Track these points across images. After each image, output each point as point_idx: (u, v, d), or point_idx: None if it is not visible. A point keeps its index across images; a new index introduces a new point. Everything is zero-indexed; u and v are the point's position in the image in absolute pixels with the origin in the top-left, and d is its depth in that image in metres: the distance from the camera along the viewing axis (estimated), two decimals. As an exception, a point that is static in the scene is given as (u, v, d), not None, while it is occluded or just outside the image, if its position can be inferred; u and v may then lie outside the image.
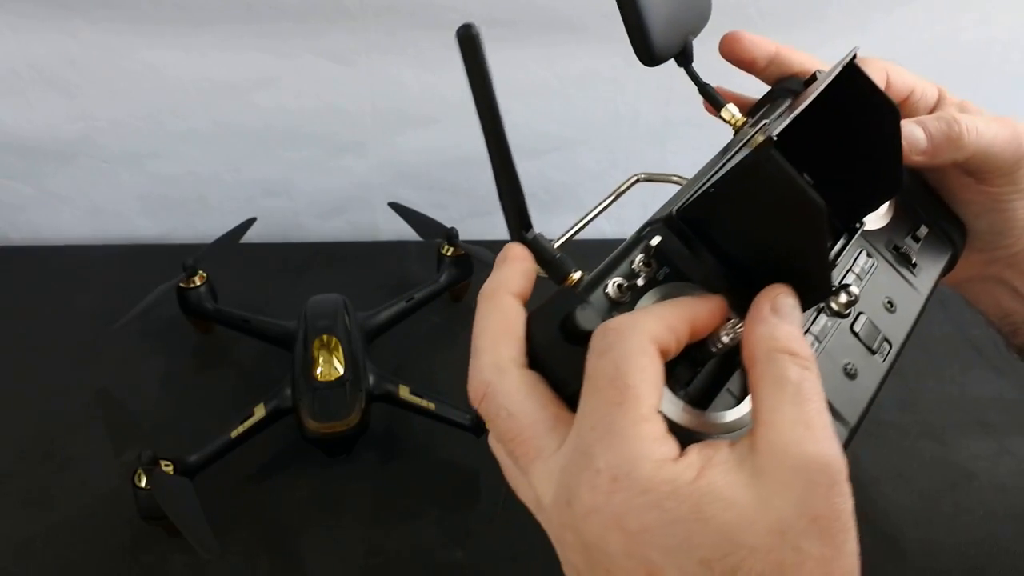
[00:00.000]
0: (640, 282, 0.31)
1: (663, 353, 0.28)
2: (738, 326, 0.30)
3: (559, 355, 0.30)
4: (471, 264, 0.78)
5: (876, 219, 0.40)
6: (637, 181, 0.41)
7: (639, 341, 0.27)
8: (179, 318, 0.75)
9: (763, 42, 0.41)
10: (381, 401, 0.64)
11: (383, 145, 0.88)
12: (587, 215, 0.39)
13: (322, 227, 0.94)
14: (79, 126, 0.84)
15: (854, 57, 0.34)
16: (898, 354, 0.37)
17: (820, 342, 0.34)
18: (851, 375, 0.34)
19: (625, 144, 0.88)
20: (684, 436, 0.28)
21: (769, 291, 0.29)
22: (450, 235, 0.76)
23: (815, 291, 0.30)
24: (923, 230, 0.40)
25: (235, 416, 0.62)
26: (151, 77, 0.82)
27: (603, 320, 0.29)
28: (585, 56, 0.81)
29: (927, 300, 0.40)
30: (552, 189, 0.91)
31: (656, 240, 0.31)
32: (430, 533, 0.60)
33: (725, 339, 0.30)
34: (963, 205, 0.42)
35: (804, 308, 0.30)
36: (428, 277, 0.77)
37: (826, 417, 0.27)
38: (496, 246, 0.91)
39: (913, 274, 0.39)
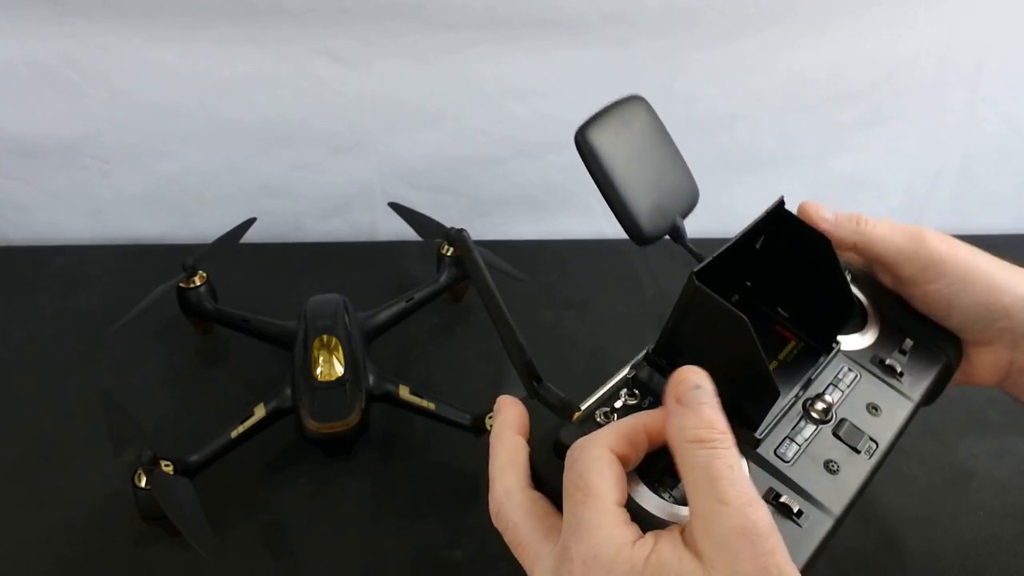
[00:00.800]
0: (618, 405, 0.39)
1: (622, 458, 0.34)
2: None
3: (551, 470, 0.37)
4: (471, 264, 0.78)
5: (860, 340, 0.45)
6: None
7: (598, 450, 0.34)
8: (179, 318, 0.75)
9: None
10: (381, 401, 0.64)
11: (383, 145, 0.88)
12: None
13: (322, 227, 0.94)
14: (79, 126, 0.84)
15: (781, 203, 0.41)
16: (887, 451, 0.41)
17: (801, 447, 0.40)
18: (832, 471, 0.39)
19: (625, 144, 0.88)
20: (661, 526, 0.34)
21: (672, 379, 0.34)
22: (450, 235, 0.76)
23: (765, 394, 0.37)
24: (908, 343, 0.45)
25: (235, 416, 0.62)
26: (151, 77, 0.82)
27: (575, 438, 0.36)
28: (585, 56, 0.81)
29: (919, 404, 0.44)
30: (552, 189, 0.91)
31: (632, 375, 0.40)
32: (430, 533, 0.60)
33: None
34: (937, 312, 0.46)
35: (763, 412, 0.38)
36: (428, 277, 0.77)
37: (739, 487, 0.31)
38: (496, 246, 0.91)
39: (899, 382, 0.44)
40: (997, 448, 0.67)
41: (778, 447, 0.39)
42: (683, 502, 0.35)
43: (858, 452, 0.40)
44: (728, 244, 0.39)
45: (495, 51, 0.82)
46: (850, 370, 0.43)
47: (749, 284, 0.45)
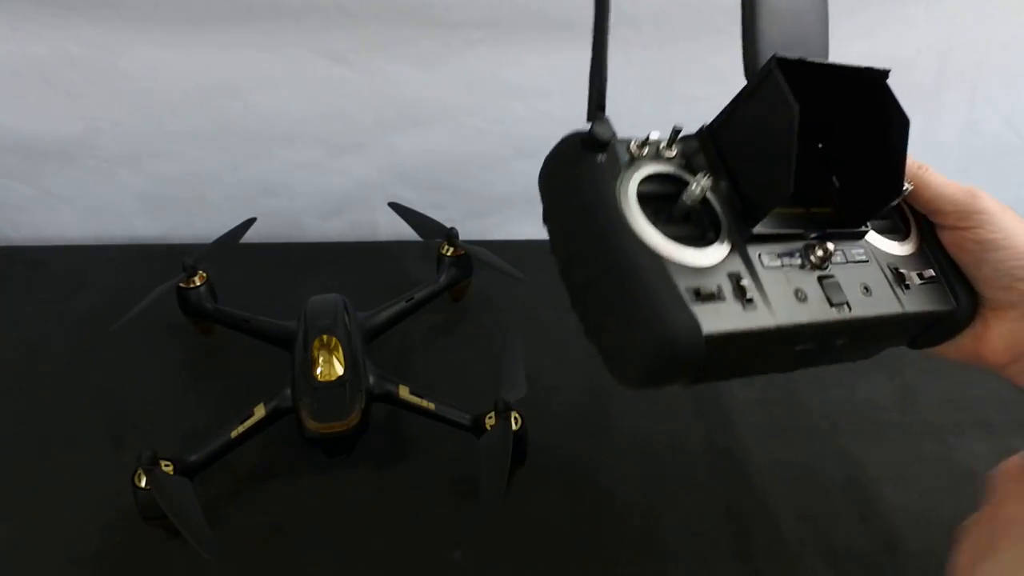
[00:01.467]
0: (647, 151, 0.40)
1: None
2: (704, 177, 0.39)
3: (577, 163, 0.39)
4: (471, 264, 0.78)
5: (890, 245, 0.45)
6: None
7: None
8: (179, 318, 0.75)
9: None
10: (381, 401, 0.64)
11: (383, 145, 0.88)
12: None
13: (322, 227, 0.94)
14: (79, 126, 0.85)
15: (885, 74, 0.42)
16: (856, 328, 0.41)
17: (782, 266, 0.40)
18: (799, 298, 0.39)
19: (625, 144, 0.88)
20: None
21: None
22: (450, 235, 0.76)
23: (778, 188, 0.37)
24: (929, 272, 0.45)
25: (235, 416, 0.62)
26: (151, 77, 0.82)
27: (609, 131, 0.38)
28: (585, 56, 0.81)
29: (906, 319, 0.43)
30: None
31: (680, 134, 0.41)
32: (430, 533, 0.60)
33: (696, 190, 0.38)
34: (967, 259, 0.46)
35: (768, 208, 0.38)
36: (428, 277, 0.77)
37: None
38: (496, 246, 0.91)
39: (902, 291, 0.43)
40: (997, 448, 0.67)
41: (763, 254, 0.40)
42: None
43: (830, 303, 0.40)
44: (822, 63, 0.41)
45: (495, 51, 0.82)
46: (864, 254, 0.43)
47: (820, 147, 0.44)
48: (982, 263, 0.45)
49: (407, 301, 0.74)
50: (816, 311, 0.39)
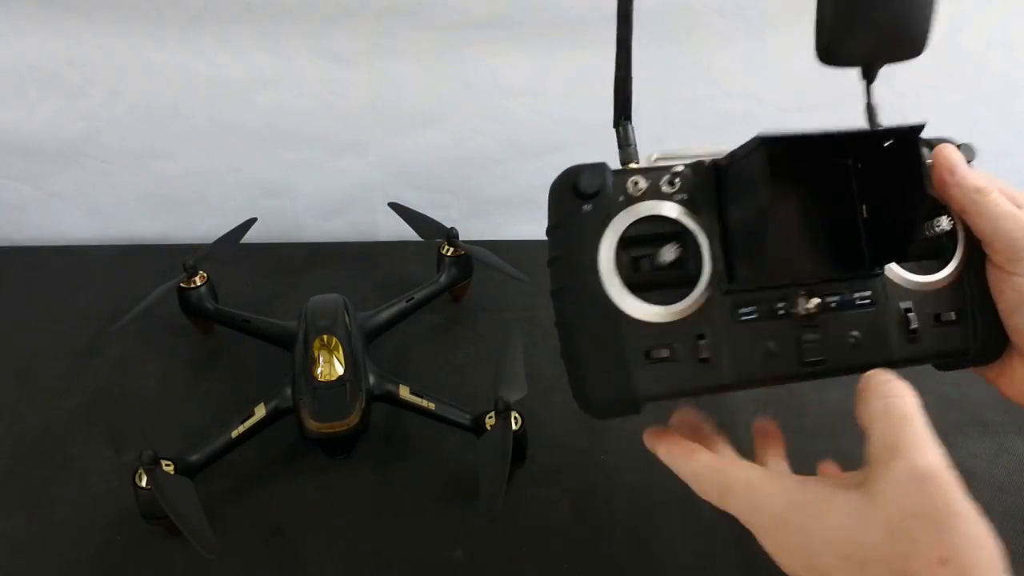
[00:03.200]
0: (645, 187, 0.39)
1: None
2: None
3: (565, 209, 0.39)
4: (471, 264, 0.78)
5: (922, 279, 0.42)
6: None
7: None
8: (179, 318, 0.75)
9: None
10: (381, 401, 0.64)
11: (383, 145, 0.88)
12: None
13: (322, 227, 0.94)
14: (80, 126, 0.85)
15: (918, 129, 0.41)
16: (824, 374, 0.40)
17: (756, 318, 0.39)
18: (769, 355, 0.39)
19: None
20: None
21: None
22: (450, 235, 0.76)
23: (754, 269, 0.37)
24: (950, 315, 0.42)
25: (235, 416, 0.62)
26: (151, 77, 0.82)
27: (596, 183, 0.38)
28: (585, 56, 0.81)
29: (896, 363, 0.41)
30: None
31: (680, 169, 0.39)
32: (430, 533, 0.60)
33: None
34: (1003, 303, 0.42)
35: (750, 272, 0.37)
36: (428, 277, 0.77)
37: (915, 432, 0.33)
38: (496, 246, 0.91)
39: (904, 338, 0.41)
40: (997, 448, 0.67)
41: (742, 305, 0.39)
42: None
43: (801, 362, 0.39)
44: (818, 135, 0.41)
45: (495, 51, 0.82)
46: (871, 298, 0.41)
47: (854, 164, 0.43)
48: (1015, 312, 0.42)
49: (407, 301, 0.74)
50: (782, 367, 0.39)
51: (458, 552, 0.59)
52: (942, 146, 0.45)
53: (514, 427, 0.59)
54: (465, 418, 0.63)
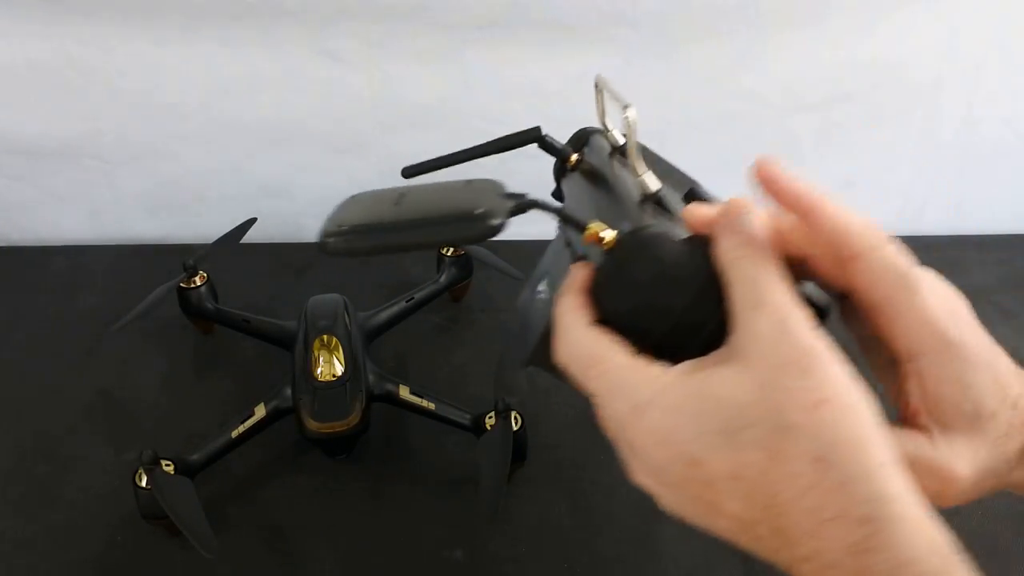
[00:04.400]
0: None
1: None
2: None
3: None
4: (471, 264, 0.78)
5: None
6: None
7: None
8: (179, 318, 0.75)
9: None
10: (381, 401, 0.64)
11: (383, 145, 0.88)
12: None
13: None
14: (79, 126, 0.85)
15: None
16: None
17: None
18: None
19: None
20: None
21: (725, 208, 0.33)
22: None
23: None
24: None
25: (235, 416, 0.62)
26: (151, 77, 0.82)
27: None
28: (584, 56, 0.81)
29: None
30: (551, 189, 0.91)
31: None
32: (430, 533, 0.60)
33: None
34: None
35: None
36: (428, 277, 0.77)
37: (779, 293, 0.30)
38: (496, 246, 0.91)
39: None
40: (996, 448, 0.67)
41: None
42: None
43: None
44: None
45: (495, 51, 0.82)
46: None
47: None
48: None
49: (407, 301, 0.74)
50: None
51: (458, 552, 0.59)
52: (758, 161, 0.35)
53: (514, 427, 0.59)
54: (465, 418, 0.63)
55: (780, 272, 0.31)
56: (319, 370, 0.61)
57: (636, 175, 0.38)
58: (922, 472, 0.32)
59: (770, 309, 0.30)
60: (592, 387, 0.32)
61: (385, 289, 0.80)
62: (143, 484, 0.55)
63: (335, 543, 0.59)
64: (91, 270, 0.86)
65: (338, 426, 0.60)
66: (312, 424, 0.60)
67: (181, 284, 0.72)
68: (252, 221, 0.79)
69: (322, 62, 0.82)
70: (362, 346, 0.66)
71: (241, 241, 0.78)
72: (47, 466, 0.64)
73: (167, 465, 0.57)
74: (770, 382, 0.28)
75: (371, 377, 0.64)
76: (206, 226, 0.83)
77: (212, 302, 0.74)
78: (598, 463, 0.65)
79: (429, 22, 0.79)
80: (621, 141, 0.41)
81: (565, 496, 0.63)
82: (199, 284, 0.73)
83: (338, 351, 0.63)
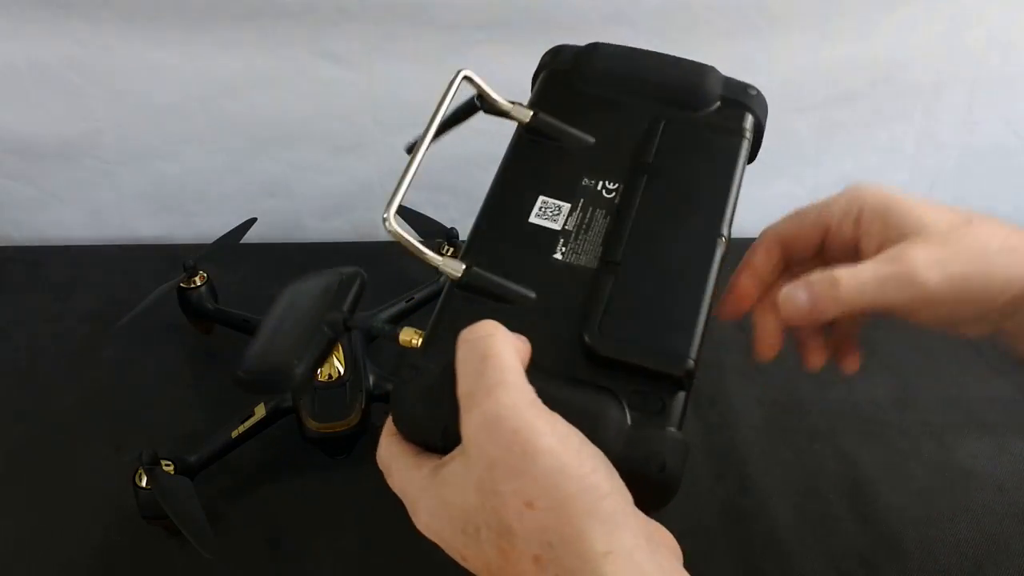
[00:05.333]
0: None
1: None
2: None
3: None
4: (471, 264, 0.78)
5: None
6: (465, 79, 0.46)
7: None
8: (179, 318, 0.75)
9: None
10: (381, 401, 0.64)
11: (383, 145, 0.88)
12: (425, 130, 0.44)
13: (322, 227, 0.94)
14: (80, 126, 0.85)
15: None
16: None
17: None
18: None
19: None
20: None
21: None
22: (450, 235, 0.76)
23: None
24: None
25: (235, 416, 0.62)
26: (151, 77, 0.82)
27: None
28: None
29: None
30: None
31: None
32: (430, 533, 0.60)
33: None
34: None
35: None
36: (428, 277, 0.77)
37: (496, 373, 0.30)
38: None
39: None
40: (996, 448, 0.67)
41: None
42: None
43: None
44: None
45: (495, 51, 0.81)
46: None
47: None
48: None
49: (407, 301, 0.74)
50: None
51: (458, 552, 0.59)
52: (782, 301, 0.38)
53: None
54: (465, 418, 0.63)
55: (508, 358, 0.30)
56: (319, 370, 0.61)
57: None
58: (890, 289, 0.36)
59: (481, 403, 0.29)
60: (395, 488, 0.35)
61: (385, 289, 0.79)
62: (143, 484, 0.55)
63: (335, 543, 0.59)
64: (91, 270, 0.86)
65: (338, 426, 0.60)
66: (312, 424, 0.60)
67: (181, 284, 0.72)
68: (252, 221, 0.79)
69: (322, 62, 0.82)
70: (362, 346, 0.66)
71: (241, 241, 0.78)
72: (47, 466, 0.64)
73: (167, 465, 0.57)
74: (484, 483, 0.29)
75: (371, 377, 0.64)
76: (206, 226, 0.83)
77: (212, 302, 0.74)
78: (598, 463, 0.65)
79: (429, 22, 0.79)
80: None
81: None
82: (199, 284, 0.73)
83: (338, 351, 0.63)
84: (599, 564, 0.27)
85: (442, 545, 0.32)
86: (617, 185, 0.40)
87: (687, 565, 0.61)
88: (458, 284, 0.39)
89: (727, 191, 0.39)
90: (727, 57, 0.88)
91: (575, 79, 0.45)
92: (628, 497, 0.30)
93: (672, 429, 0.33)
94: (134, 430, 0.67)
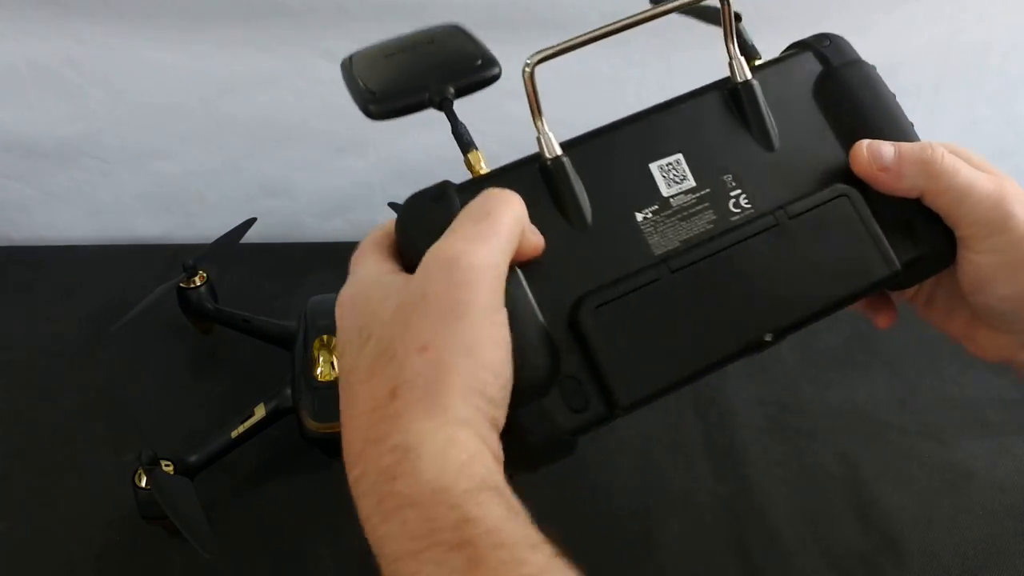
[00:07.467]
0: None
1: None
2: None
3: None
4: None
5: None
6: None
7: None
8: (179, 318, 0.75)
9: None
10: (381, 401, 0.64)
11: (383, 145, 0.88)
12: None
13: (322, 227, 0.94)
14: (80, 126, 0.85)
15: None
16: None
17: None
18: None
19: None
20: None
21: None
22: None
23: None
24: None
25: (235, 416, 0.62)
26: (151, 77, 0.82)
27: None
28: (585, 56, 0.81)
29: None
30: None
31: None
32: (430, 533, 0.60)
33: None
34: (966, 280, 0.39)
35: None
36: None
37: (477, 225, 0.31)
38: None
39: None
40: (997, 448, 0.67)
41: None
42: None
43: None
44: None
45: (495, 51, 0.81)
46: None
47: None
48: (977, 292, 0.38)
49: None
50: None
51: (458, 552, 0.59)
52: (858, 147, 0.37)
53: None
54: (465, 418, 0.63)
55: (509, 227, 0.32)
56: (319, 370, 0.61)
57: None
58: (979, 203, 0.37)
59: (458, 240, 0.31)
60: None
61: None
62: (143, 484, 0.55)
63: (335, 543, 0.59)
64: (91, 270, 0.86)
65: (338, 426, 0.60)
66: (312, 424, 0.60)
67: (181, 284, 0.72)
68: (252, 221, 0.79)
69: (322, 62, 0.82)
70: (362, 346, 0.66)
71: (241, 241, 0.78)
72: (47, 466, 0.64)
73: (167, 465, 0.57)
74: (406, 308, 0.30)
75: (371, 377, 0.64)
76: (206, 226, 0.83)
77: (212, 302, 0.74)
78: (596, 463, 0.65)
79: (429, 22, 0.79)
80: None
81: (563, 496, 0.62)
82: (199, 284, 0.73)
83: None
84: (427, 436, 0.28)
85: (337, 325, 0.33)
86: (750, 207, 0.36)
87: (687, 565, 0.61)
88: (541, 163, 0.37)
89: (817, 304, 0.35)
90: (725, 59, 0.88)
91: (832, 84, 0.41)
92: (500, 415, 0.30)
93: (568, 429, 0.32)
94: (134, 430, 0.67)
